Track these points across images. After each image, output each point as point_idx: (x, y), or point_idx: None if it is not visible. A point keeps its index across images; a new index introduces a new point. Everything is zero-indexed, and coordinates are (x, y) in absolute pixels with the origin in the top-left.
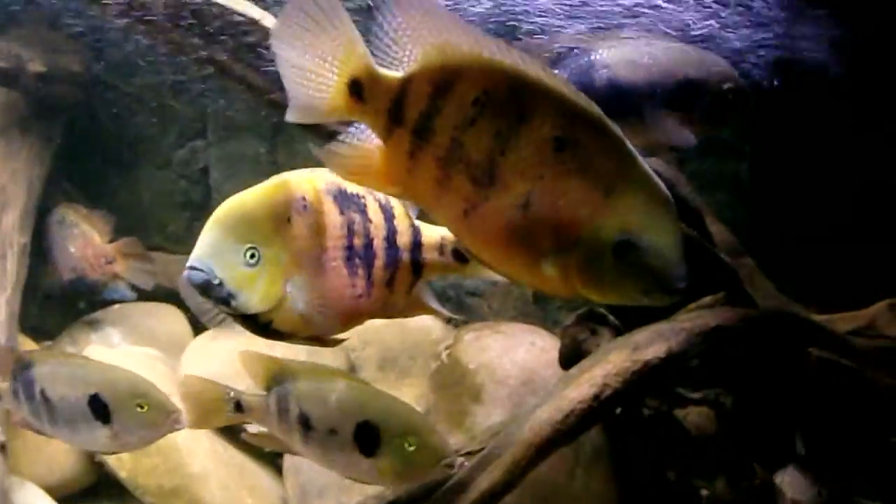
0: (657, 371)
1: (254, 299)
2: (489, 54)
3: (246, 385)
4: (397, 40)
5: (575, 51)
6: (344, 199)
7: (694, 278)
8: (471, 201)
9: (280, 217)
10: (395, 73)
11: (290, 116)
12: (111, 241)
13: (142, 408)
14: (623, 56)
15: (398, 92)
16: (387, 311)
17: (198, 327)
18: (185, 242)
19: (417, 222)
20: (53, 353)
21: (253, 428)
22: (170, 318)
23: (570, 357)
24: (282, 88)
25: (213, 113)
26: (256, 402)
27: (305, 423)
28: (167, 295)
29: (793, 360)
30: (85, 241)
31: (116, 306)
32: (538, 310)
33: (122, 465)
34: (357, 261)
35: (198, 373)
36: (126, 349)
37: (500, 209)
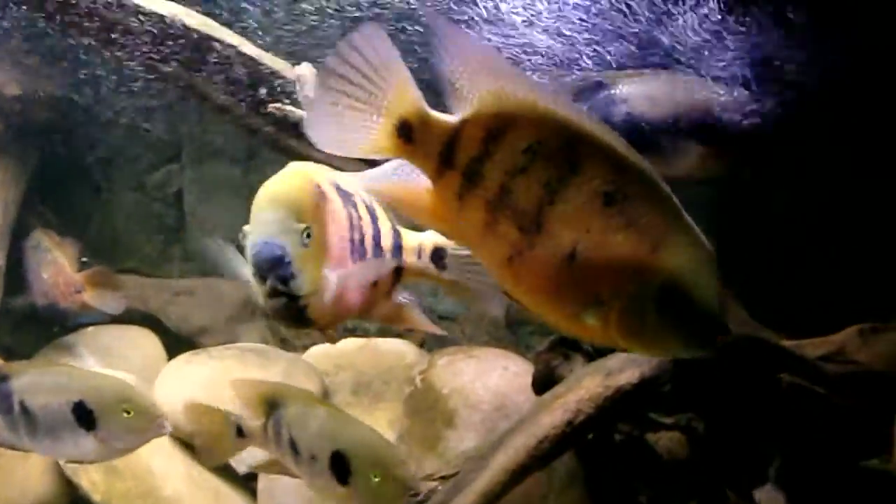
0: (630, 397)
1: (307, 280)
2: (543, 104)
3: (222, 408)
4: (452, 84)
5: (596, 85)
6: (343, 194)
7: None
8: (516, 247)
9: (315, 201)
10: (447, 117)
11: (327, 147)
12: (81, 269)
13: (128, 413)
14: (642, 91)
15: (450, 135)
16: (370, 312)
17: (171, 351)
18: (158, 265)
19: (398, 226)
20: (32, 363)
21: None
22: (144, 342)
23: (544, 382)
24: (257, 114)
25: (188, 136)
26: (256, 428)
27: (294, 448)
28: (142, 318)
29: (764, 385)
30: (56, 268)
31: (90, 329)
32: (511, 334)
33: (95, 488)
34: (356, 253)
35: (172, 397)
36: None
37: (545, 258)
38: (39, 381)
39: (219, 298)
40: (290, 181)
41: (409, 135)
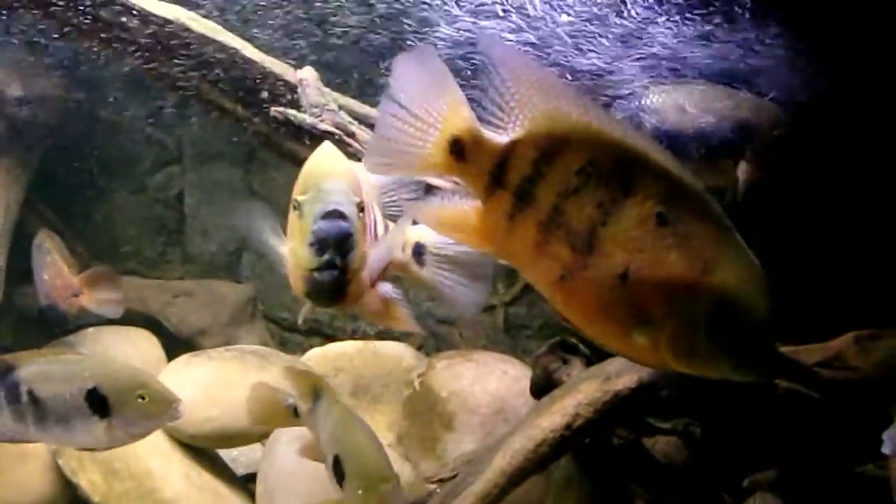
0: (628, 401)
1: (359, 254)
2: (597, 125)
3: (221, 410)
4: (505, 104)
5: (628, 95)
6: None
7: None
8: (568, 267)
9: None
10: (499, 137)
11: (381, 168)
12: (80, 272)
13: (142, 399)
14: (673, 101)
15: (502, 155)
16: (362, 302)
17: (171, 352)
18: (159, 267)
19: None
20: (37, 353)
21: None
22: (144, 343)
23: (542, 386)
24: (259, 117)
25: (189, 139)
26: (306, 411)
27: None
28: (142, 319)
29: (761, 391)
30: (56, 270)
31: (90, 329)
32: (509, 339)
33: (95, 489)
34: (372, 240)
35: None
36: None
37: (597, 278)
38: (49, 371)
39: (218, 300)
40: (339, 158)
41: (461, 153)
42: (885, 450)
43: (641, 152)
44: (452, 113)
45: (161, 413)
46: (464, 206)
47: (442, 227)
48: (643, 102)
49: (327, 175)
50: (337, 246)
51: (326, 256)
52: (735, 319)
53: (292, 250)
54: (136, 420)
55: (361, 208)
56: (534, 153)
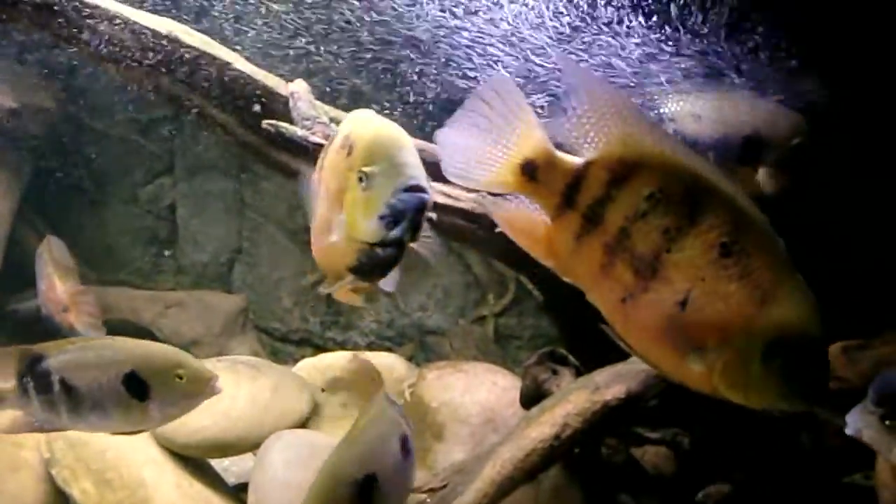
0: (617, 411)
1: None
2: (670, 152)
3: (212, 420)
4: (580, 127)
5: (644, 104)
6: None
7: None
8: (630, 290)
9: None
10: (572, 158)
11: (454, 177)
12: (70, 289)
13: (180, 378)
14: (690, 110)
15: (575, 177)
16: None
17: None
18: (151, 278)
19: None
20: (67, 341)
21: None
22: None
23: (531, 397)
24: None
25: (181, 150)
26: None
27: None
28: (134, 330)
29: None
30: (49, 283)
31: (81, 339)
32: (499, 349)
33: (87, 498)
34: None
35: None
36: None
37: (657, 302)
38: (82, 358)
39: (210, 311)
40: (397, 127)
41: (533, 173)
42: (849, 431)
43: (710, 182)
44: (526, 136)
45: (200, 391)
46: (536, 217)
47: (513, 231)
48: (661, 111)
49: (399, 147)
50: (414, 220)
51: (396, 232)
52: (790, 354)
53: (349, 223)
54: (175, 400)
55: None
56: (606, 176)
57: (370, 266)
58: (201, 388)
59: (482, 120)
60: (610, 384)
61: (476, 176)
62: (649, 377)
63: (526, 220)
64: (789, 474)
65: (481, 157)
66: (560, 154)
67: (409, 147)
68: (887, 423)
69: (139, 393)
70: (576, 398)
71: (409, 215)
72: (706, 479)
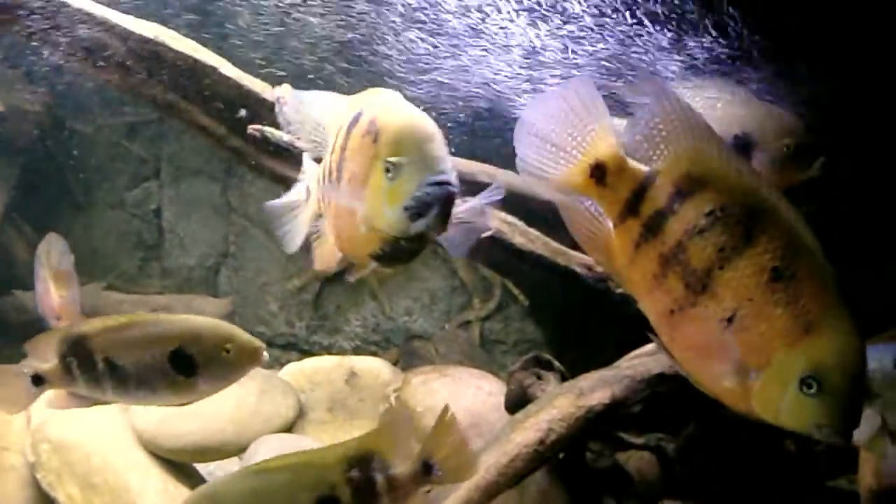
0: (601, 416)
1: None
2: (735, 172)
3: (198, 424)
4: (651, 138)
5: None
6: None
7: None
8: (679, 302)
9: None
10: (641, 167)
11: (527, 172)
12: (64, 300)
13: (227, 352)
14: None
15: (641, 185)
16: None
17: None
18: (137, 282)
19: None
20: (109, 318)
21: None
22: None
23: (516, 402)
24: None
25: (167, 154)
26: None
27: None
28: None
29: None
30: (46, 288)
31: None
32: (485, 354)
33: (73, 502)
34: None
35: (148, 413)
36: None
37: (703, 317)
38: (127, 336)
39: (196, 314)
40: (426, 117)
41: (601, 177)
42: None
43: (769, 206)
44: (600, 139)
45: (247, 363)
46: (600, 219)
47: (576, 233)
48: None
49: (428, 138)
50: (441, 213)
51: (420, 224)
52: (826, 385)
53: (372, 212)
54: (223, 373)
55: None
56: (670, 189)
57: (393, 255)
58: (249, 359)
59: (560, 118)
60: (595, 389)
61: (548, 173)
62: (634, 383)
63: (592, 220)
64: (775, 478)
65: (554, 154)
66: (630, 161)
67: (437, 138)
68: None
69: (186, 369)
70: (561, 403)
71: (435, 208)
72: (691, 483)
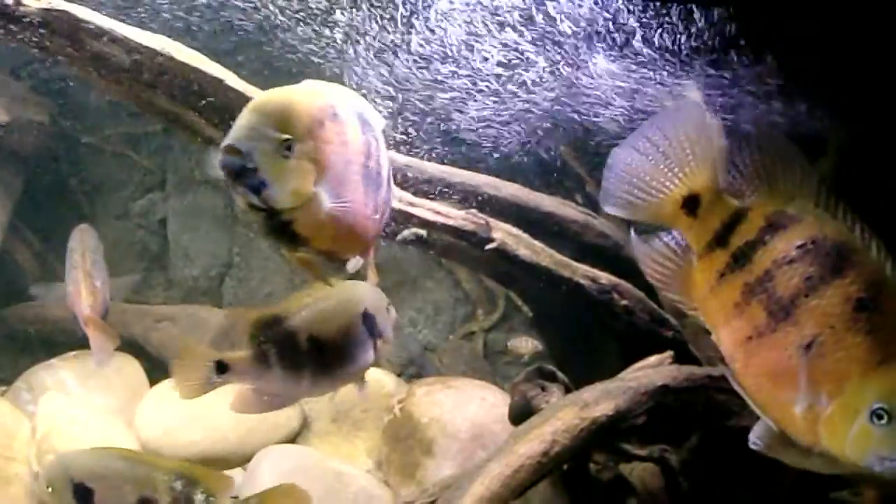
0: (605, 428)
1: (284, 192)
2: (828, 211)
3: (202, 434)
4: (745, 170)
5: None
6: (364, 122)
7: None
8: (758, 329)
9: (317, 118)
10: (733, 200)
11: (607, 208)
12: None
13: (388, 311)
14: None
15: (733, 217)
16: (371, 247)
17: (153, 377)
18: (141, 292)
19: None
20: (307, 293)
21: None
22: (127, 368)
23: (520, 413)
24: None
25: (172, 165)
26: None
27: None
28: (125, 344)
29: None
30: (77, 291)
31: (72, 353)
32: (488, 365)
33: None
34: (371, 182)
35: (153, 423)
36: (82, 397)
37: (782, 343)
38: (324, 309)
39: (200, 325)
40: (288, 93)
41: (693, 208)
42: (753, 446)
43: (860, 244)
44: (701, 169)
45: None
46: (683, 251)
47: (648, 266)
48: None
49: (249, 110)
50: (240, 182)
51: (240, 192)
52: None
53: None
54: (389, 331)
55: (290, 146)
56: (762, 222)
57: (260, 231)
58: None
59: (659, 145)
60: (598, 401)
61: (635, 204)
62: (637, 394)
63: (672, 257)
64: (779, 490)
65: (647, 184)
66: (724, 194)
67: (259, 109)
68: None
69: (371, 330)
70: (564, 415)
71: (226, 176)
72: (694, 495)
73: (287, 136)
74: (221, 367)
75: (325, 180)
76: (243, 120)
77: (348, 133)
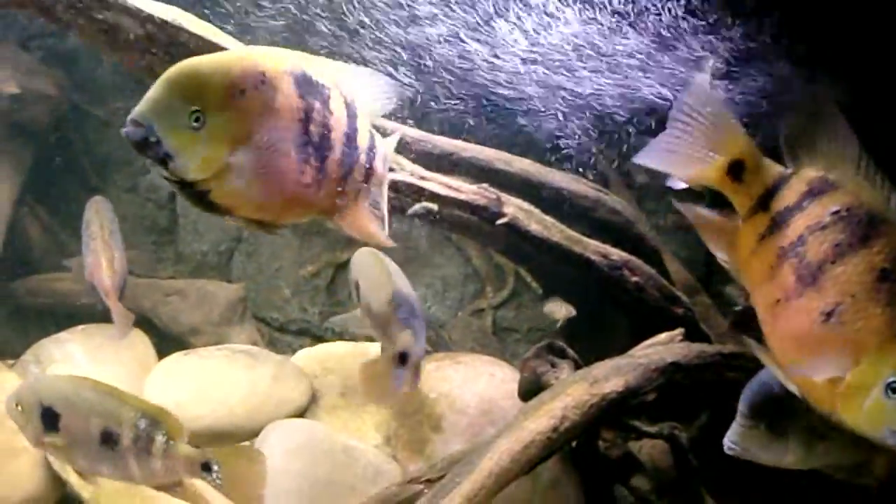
0: (614, 404)
1: (192, 164)
2: (865, 178)
3: (210, 408)
4: (791, 139)
5: None
6: (307, 85)
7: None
8: (786, 293)
9: (234, 86)
10: (776, 166)
11: (659, 164)
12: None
13: None
14: None
15: (775, 182)
16: (333, 211)
17: (162, 351)
18: (150, 266)
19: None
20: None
21: None
22: (135, 341)
23: (530, 389)
24: None
25: None
26: None
27: None
28: (135, 317)
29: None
30: (97, 262)
31: (81, 327)
32: (498, 341)
33: (84, 485)
34: (310, 149)
35: (161, 396)
36: (90, 370)
37: (807, 308)
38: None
39: (209, 300)
40: (203, 61)
41: (738, 174)
42: (728, 451)
43: (893, 215)
44: (735, 138)
45: None
46: (726, 219)
47: (701, 229)
48: None
49: (157, 82)
50: (145, 155)
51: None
52: None
53: None
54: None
55: (199, 117)
56: (803, 188)
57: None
58: None
59: (696, 118)
60: (608, 377)
61: (682, 168)
62: (648, 371)
63: (715, 219)
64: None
65: (691, 151)
66: (766, 160)
67: (167, 81)
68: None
69: None
70: (574, 391)
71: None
72: (704, 473)
73: (195, 108)
74: (402, 358)
75: (246, 149)
76: (151, 91)
77: (278, 100)
